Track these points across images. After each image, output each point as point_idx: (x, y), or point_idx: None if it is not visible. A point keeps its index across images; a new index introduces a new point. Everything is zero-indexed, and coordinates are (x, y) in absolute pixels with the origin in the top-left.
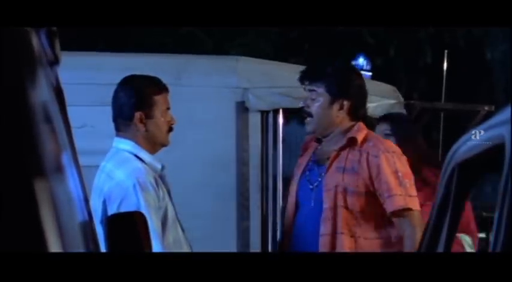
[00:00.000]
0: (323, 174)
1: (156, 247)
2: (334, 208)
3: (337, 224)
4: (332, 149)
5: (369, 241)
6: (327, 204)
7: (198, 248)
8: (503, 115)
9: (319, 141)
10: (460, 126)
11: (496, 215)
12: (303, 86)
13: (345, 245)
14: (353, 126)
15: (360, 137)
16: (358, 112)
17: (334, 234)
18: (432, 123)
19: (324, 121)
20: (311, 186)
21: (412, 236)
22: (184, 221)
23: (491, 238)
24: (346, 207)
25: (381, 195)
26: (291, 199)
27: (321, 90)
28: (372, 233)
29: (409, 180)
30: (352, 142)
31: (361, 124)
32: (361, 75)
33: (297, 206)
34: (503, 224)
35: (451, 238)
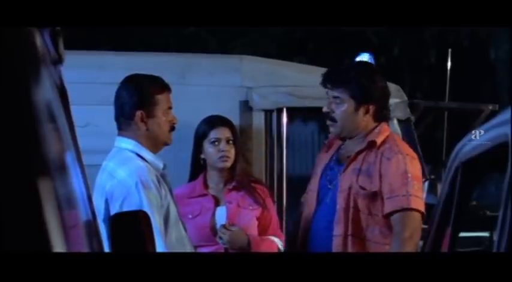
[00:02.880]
0: (340, 174)
1: (159, 245)
2: (347, 209)
3: (348, 226)
4: (353, 150)
5: (379, 245)
6: (340, 205)
7: None
8: (507, 114)
9: (343, 139)
10: (464, 125)
11: (500, 214)
12: (326, 90)
13: (355, 247)
14: (375, 128)
15: (379, 140)
16: (383, 113)
17: (345, 235)
18: (436, 123)
19: (350, 126)
20: (329, 186)
21: (398, 238)
22: None
23: (495, 237)
24: (358, 210)
25: (383, 197)
26: (312, 194)
27: (345, 96)
28: (382, 238)
29: (418, 183)
30: (371, 145)
31: (384, 125)
32: (382, 76)
33: (317, 202)
34: (508, 223)
35: (455, 235)
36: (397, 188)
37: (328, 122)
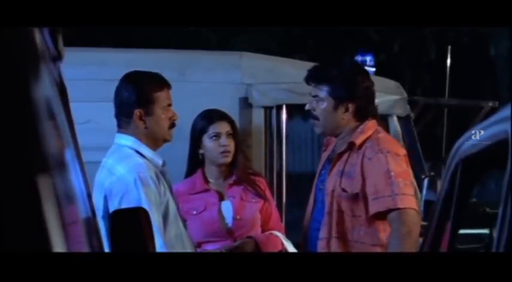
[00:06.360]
0: (328, 175)
1: (158, 243)
2: (331, 212)
3: (332, 229)
4: (339, 151)
5: (365, 246)
6: (326, 207)
7: None
8: (507, 111)
9: (336, 137)
10: (463, 122)
11: (499, 212)
12: (310, 86)
13: (339, 249)
14: (357, 127)
15: (359, 140)
16: (365, 112)
17: (329, 238)
18: (436, 119)
19: (330, 124)
20: (321, 187)
21: (396, 234)
22: None
23: (495, 235)
24: (341, 212)
25: (367, 198)
26: (311, 196)
27: (324, 94)
28: (368, 238)
29: (403, 180)
30: (351, 146)
31: (368, 123)
32: (368, 75)
33: (314, 202)
34: (507, 220)
35: (455, 232)
36: (382, 189)
37: (312, 121)
